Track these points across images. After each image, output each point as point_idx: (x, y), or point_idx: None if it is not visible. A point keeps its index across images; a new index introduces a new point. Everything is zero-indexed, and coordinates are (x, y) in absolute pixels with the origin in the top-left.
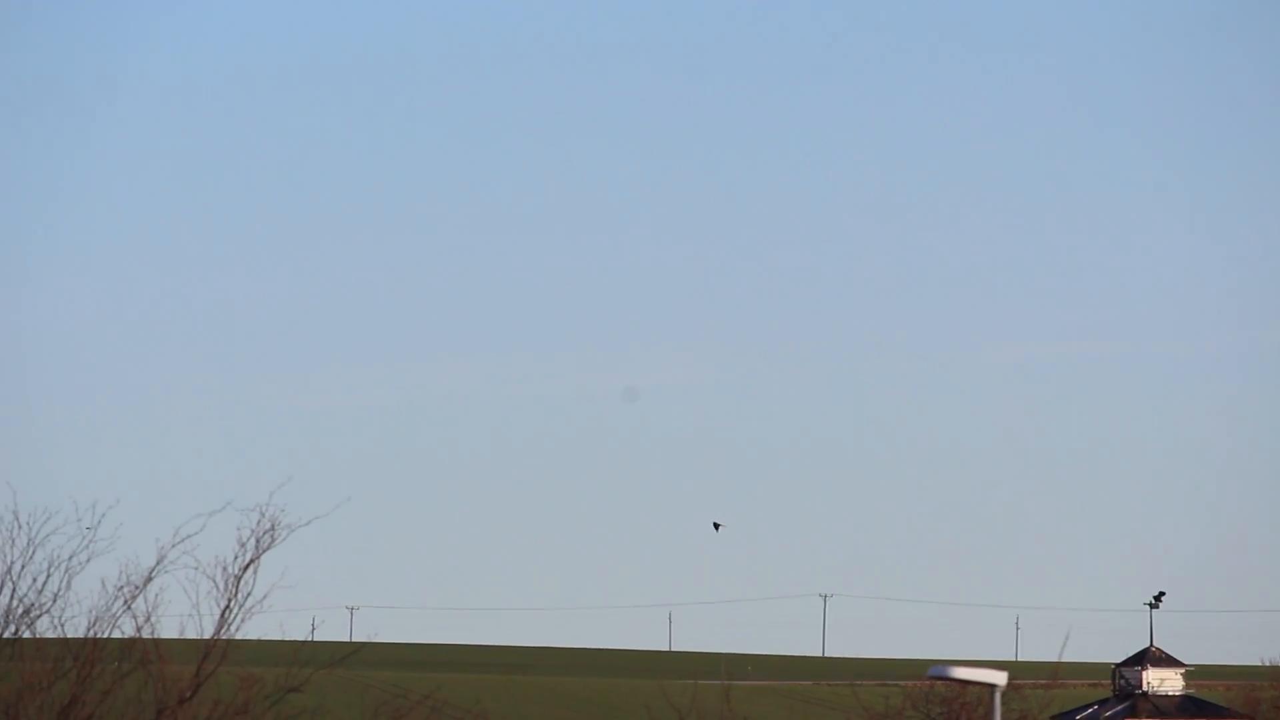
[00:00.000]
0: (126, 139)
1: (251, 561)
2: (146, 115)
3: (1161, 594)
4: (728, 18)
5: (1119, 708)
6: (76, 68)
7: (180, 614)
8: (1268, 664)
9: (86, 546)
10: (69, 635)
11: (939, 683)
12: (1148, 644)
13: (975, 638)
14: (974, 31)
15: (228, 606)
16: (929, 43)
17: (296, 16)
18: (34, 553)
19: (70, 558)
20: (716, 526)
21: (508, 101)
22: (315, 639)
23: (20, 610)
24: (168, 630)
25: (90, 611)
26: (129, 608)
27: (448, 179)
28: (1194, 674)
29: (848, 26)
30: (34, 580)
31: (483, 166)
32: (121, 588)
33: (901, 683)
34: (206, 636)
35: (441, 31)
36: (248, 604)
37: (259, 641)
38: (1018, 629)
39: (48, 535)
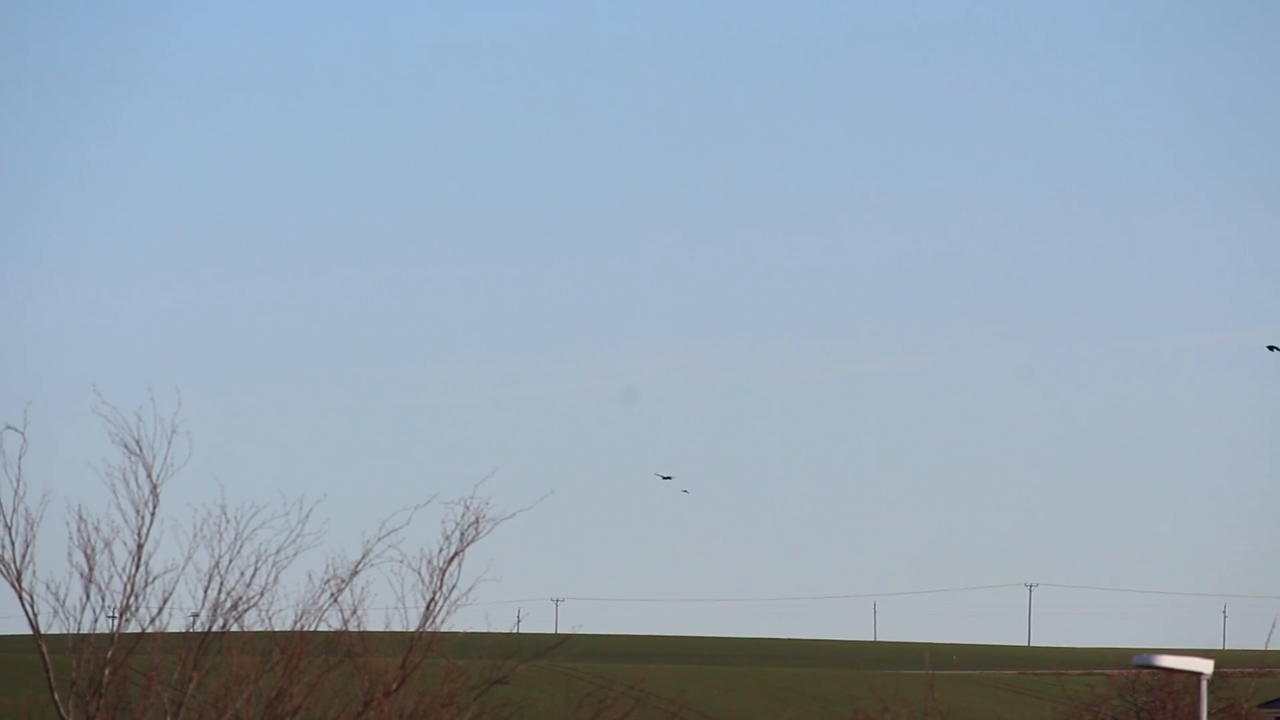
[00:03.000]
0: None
1: (457, 554)
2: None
3: None
4: (727, 16)
5: None
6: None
7: (386, 607)
8: None
9: (294, 541)
10: (276, 628)
11: (1145, 671)
12: None
13: (1181, 626)
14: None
15: (433, 599)
16: (941, 40)
17: (297, 16)
18: (241, 547)
19: (277, 552)
20: (667, 479)
21: (509, 101)
22: (521, 631)
23: (228, 604)
24: (373, 623)
25: (297, 605)
26: (335, 601)
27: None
28: None
29: (853, 24)
30: (241, 574)
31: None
32: (328, 581)
33: (1107, 671)
34: (412, 629)
35: (440, 30)
36: (453, 597)
37: (464, 634)
38: (1225, 617)
39: (255, 529)
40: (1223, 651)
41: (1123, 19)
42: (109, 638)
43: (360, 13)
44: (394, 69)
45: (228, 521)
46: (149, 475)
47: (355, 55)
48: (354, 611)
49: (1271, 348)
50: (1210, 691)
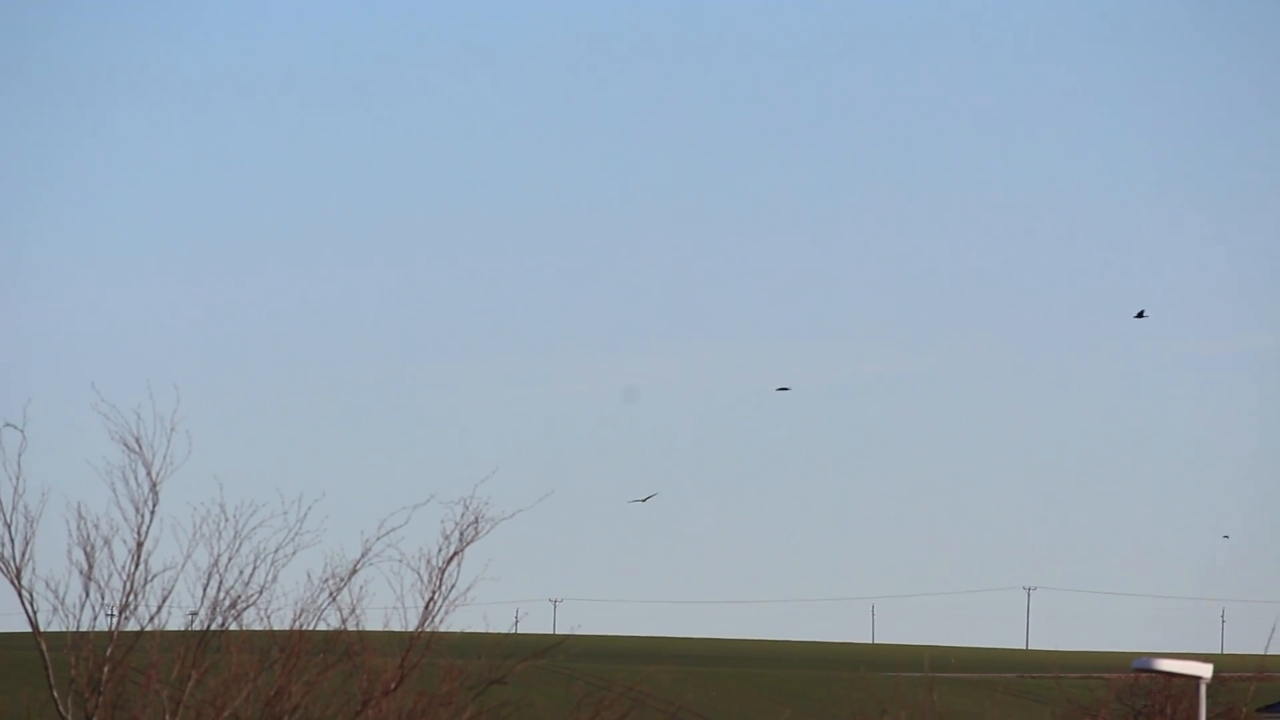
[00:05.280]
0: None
1: (455, 554)
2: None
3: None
4: (727, 15)
5: None
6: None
7: (385, 606)
8: None
9: (293, 539)
10: (275, 627)
11: (1143, 675)
12: None
13: (1180, 630)
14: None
15: (432, 599)
16: (949, 40)
17: (300, 15)
18: (240, 545)
19: (276, 550)
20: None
21: (511, 101)
22: (519, 631)
23: (227, 602)
24: (372, 623)
25: (296, 604)
26: (334, 600)
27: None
28: None
29: (866, 21)
30: (240, 573)
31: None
32: (327, 580)
33: (1106, 675)
34: (411, 629)
35: (438, 29)
36: (451, 596)
37: (463, 634)
38: (1223, 621)
39: (254, 528)
40: (1221, 655)
41: (1148, 18)
42: (108, 635)
43: (363, 12)
44: (399, 68)
45: (227, 520)
46: (148, 473)
47: (360, 54)
48: (353, 611)
49: (1139, 314)
50: (1209, 696)
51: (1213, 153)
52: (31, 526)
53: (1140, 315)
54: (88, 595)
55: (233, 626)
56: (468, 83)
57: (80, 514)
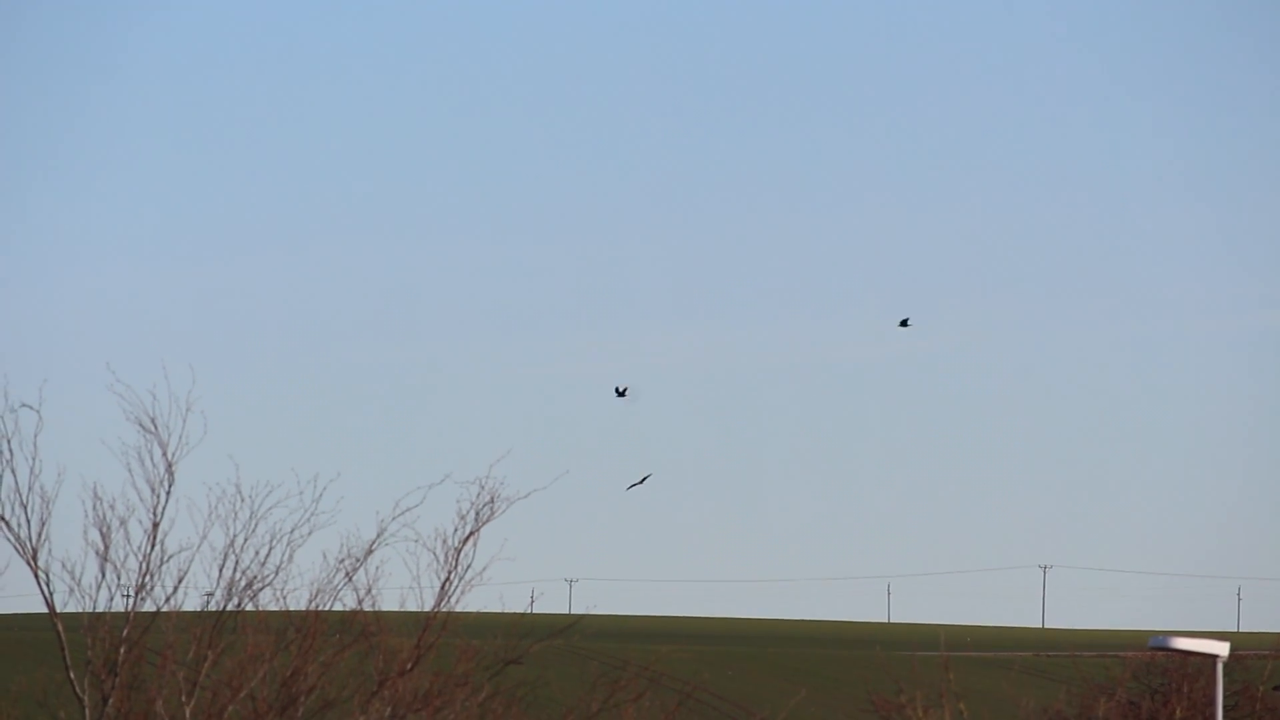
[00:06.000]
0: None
1: (471, 534)
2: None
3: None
4: (725, 12)
5: None
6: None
7: (401, 586)
8: None
9: (308, 520)
10: (291, 608)
11: (1160, 654)
12: None
13: (1196, 608)
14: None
15: (448, 579)
16: (953, 26)
17: (304, 17)
18: (256, 526)
19: (292, 531)
20: (621, 393)
21: (528, 87)
22: (535, 611)
23: (243, 583)
24: (388, 603)
25: (312, 584)
26: (350, 580)
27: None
28: None
29: (853, 17)
30: (256, 553)
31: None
32: (342, 560)
33: (1122, 654)
34: (427, 609)
35: (436, 27)
36: (467, 576)
37: (479, 614)
38: (1239, 599)
39: (270, 508)
40: (1238, 634)
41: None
42: (124, 616)
43: (365, 11)
44: (389, 69)
45: (242, 500)
46: (164, 453)
47: (354, 54)
48: (368, 591)
49: (903, 323)
50: (1225, 674)
51: (1219, 140)
52: (47, 507)
53: (904, 324)
54: (104, 576)
55: (249, 607)
56: (495, 73)
57: (96, 495)
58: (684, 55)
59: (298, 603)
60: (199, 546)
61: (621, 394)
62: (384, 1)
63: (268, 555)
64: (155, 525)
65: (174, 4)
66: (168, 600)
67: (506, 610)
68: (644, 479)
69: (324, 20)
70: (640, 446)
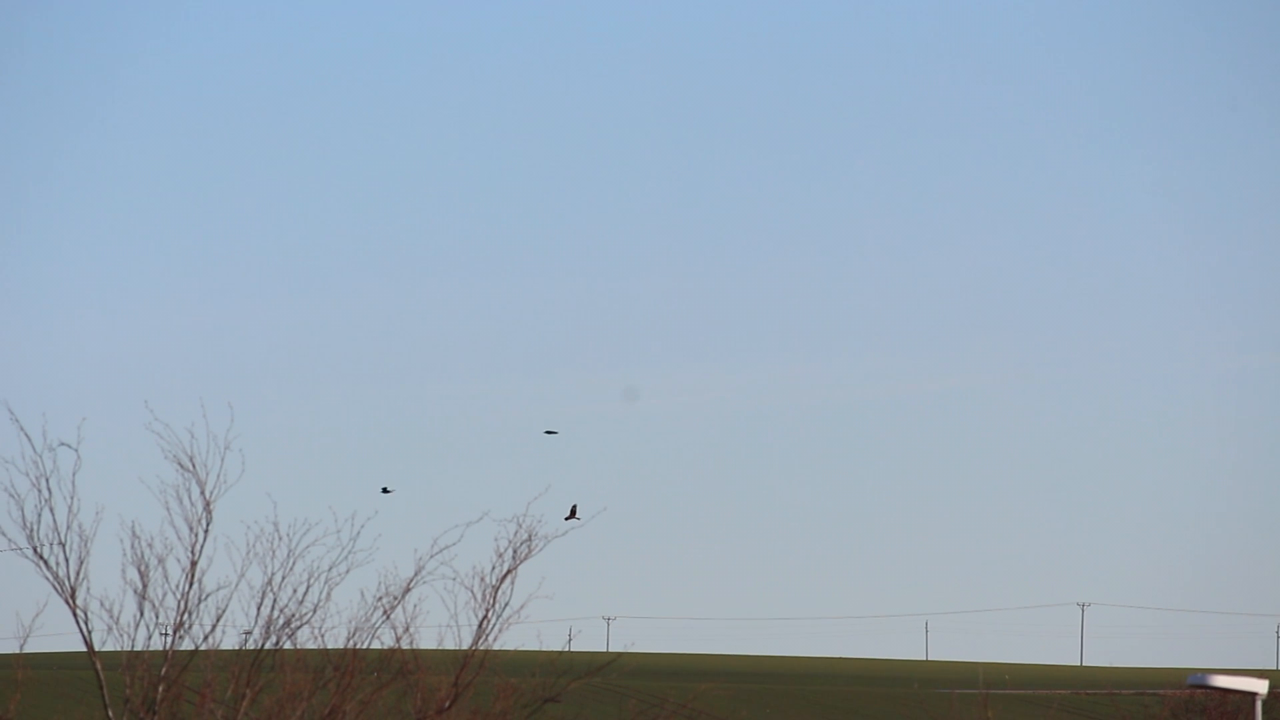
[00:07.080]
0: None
1: (509, 572)
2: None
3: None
4: (727, 20)
5: None
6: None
7: (439, 624)
8: None
9: (346, 558)
10: (329, 646)
11: (1199, 691)
12: None
13: (1235, 646)
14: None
15: (485, 616)
16: (962, 52)
17: (295, 16)
18: (294, 564)
19: (330, 569)
20: (572, 513)
21: (536, 111)
22: (572, 649)
23: (281, 621)
24: (426, 640)
25: (350, 622)
26: (388, 618)
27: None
28: None
29: (881, 33)
30: (294, 591)
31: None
32: (380, 598)
33: (1160, 691)
34: (465, 647)
35: (436, 32)
36: (505, 614)
37: (516, 651)
38: (1278, 637)
39: (308, 546)
40: (1277, 671)
41: (1166, 25)
42: (163, 655)
43: (369, 22)
44: (389, 71)
45: (280, 538)
46: (202, 492)
47: (354, 59)
48: (406, 629)
49: (549, 432)
50: (1265, 712)
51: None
52: (86, 546)
53: (571, 515)
54: (142, 614)
55: (287, 645)
56: (476, 86)
57: (134, 533)
58: (701, 98)
59: (336, 641)
60: (237, 584)
61: (571, 516)
62: (387, 34)
63: (306, 593)
64: (193, 563)
65: (198, 35)
66: (206, 638)
67: (544, 648)
68: (572, 513)
69: (327, 51)
70: (678, 485)
